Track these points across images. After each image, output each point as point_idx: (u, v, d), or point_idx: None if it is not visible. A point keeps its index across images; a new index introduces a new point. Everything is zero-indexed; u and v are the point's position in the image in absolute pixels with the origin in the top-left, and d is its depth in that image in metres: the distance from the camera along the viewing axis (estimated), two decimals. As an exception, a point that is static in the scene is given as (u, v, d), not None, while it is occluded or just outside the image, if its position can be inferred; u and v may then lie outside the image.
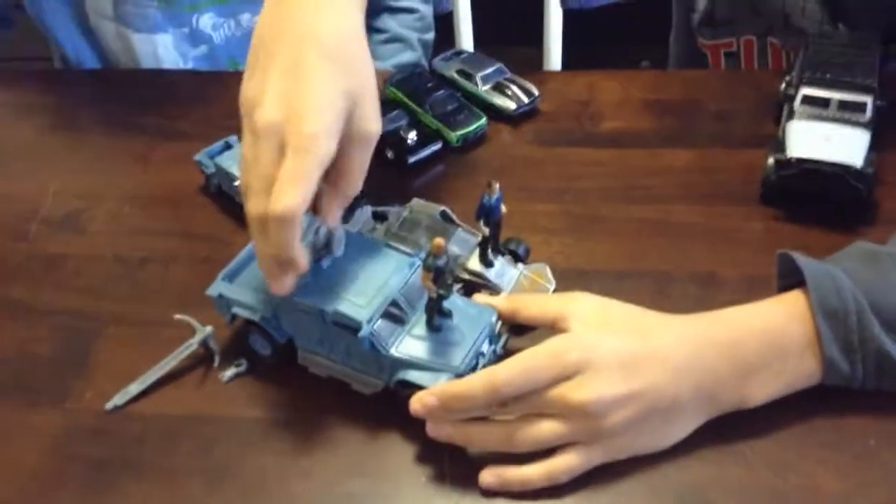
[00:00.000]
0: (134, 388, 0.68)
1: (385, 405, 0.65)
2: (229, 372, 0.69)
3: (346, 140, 0.60)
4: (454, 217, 0.76)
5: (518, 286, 0.72)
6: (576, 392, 0.58)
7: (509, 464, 0.61)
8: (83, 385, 0.69)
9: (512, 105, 0.92)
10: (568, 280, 0.73)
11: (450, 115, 0.89)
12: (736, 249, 0.77)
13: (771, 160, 0.78)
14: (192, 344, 0.69)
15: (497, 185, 0.68)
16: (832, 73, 0.80)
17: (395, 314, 0.64)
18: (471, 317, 0.64)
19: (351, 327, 0.62)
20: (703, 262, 0.76)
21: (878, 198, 0.78)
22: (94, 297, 0.76)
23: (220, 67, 1.13)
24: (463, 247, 0.73)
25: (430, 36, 1.26)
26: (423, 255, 0.64)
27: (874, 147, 0.77)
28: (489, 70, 0.95)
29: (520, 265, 0.74)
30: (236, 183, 0.78)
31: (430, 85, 0.93)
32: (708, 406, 0.61)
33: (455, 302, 0.65)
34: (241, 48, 1.11)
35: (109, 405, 0.67)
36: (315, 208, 0.62)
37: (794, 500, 0.59)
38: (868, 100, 0.78)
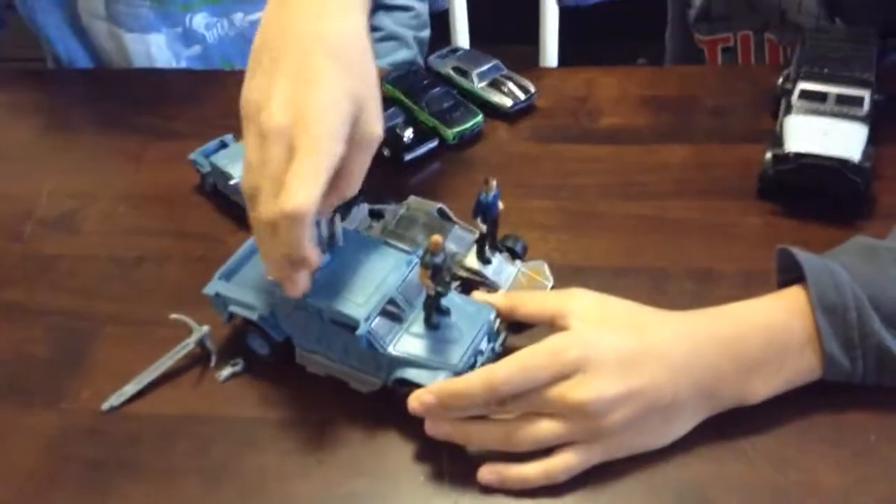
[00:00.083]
0: (130, 388, 0.67)
1: (383, 403, 0.64)
2: (226, 371, 0.69)
3: (350, 142, 0.60)
4: (451, 214, 0.76)
5: (516, 283, 0.72)
6: (575, 392, 0.58)
7: (508, 462, 0.60)
8: (79, 385, 0.69)
9: (508, 102, 0.92)
10: (565, 277, 0.73)
11: (446, 113, 0.89)
12: (733, 245, 0.77)
13: (768, 155, 0.78)
14: (189, 343, 0.69)
15: (494, 182, 0.67)
16: (829, 68, 0.80)
17: (392, 312, 0.63)
18: (469, 314, 0.64)
19: (349, 325, 0.62)
20: (701, 258, 0.76)
21: (875, 192, 0.78)
22: (89, 297, 0.76)
23: (214, 67, 1.12)
24: (460, 244, 0.73)
25: (426, 33, 1.26)
26: (420, 252, 0.64)
27: (872, 141, 0.77)
28: (485, 67, 0.94)
29: (517, 262, 0.73)
30: (232, 182, 0.78)
31: (426, 82, 0.93)
32: (708, 403, 0.61)
33: (453, 299, 0.64)
34: (235, 48, 1.11)
35: (106, 405, 0.67)
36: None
37: (794, 495, 0.59)
38: (866, 94, 0.78)
